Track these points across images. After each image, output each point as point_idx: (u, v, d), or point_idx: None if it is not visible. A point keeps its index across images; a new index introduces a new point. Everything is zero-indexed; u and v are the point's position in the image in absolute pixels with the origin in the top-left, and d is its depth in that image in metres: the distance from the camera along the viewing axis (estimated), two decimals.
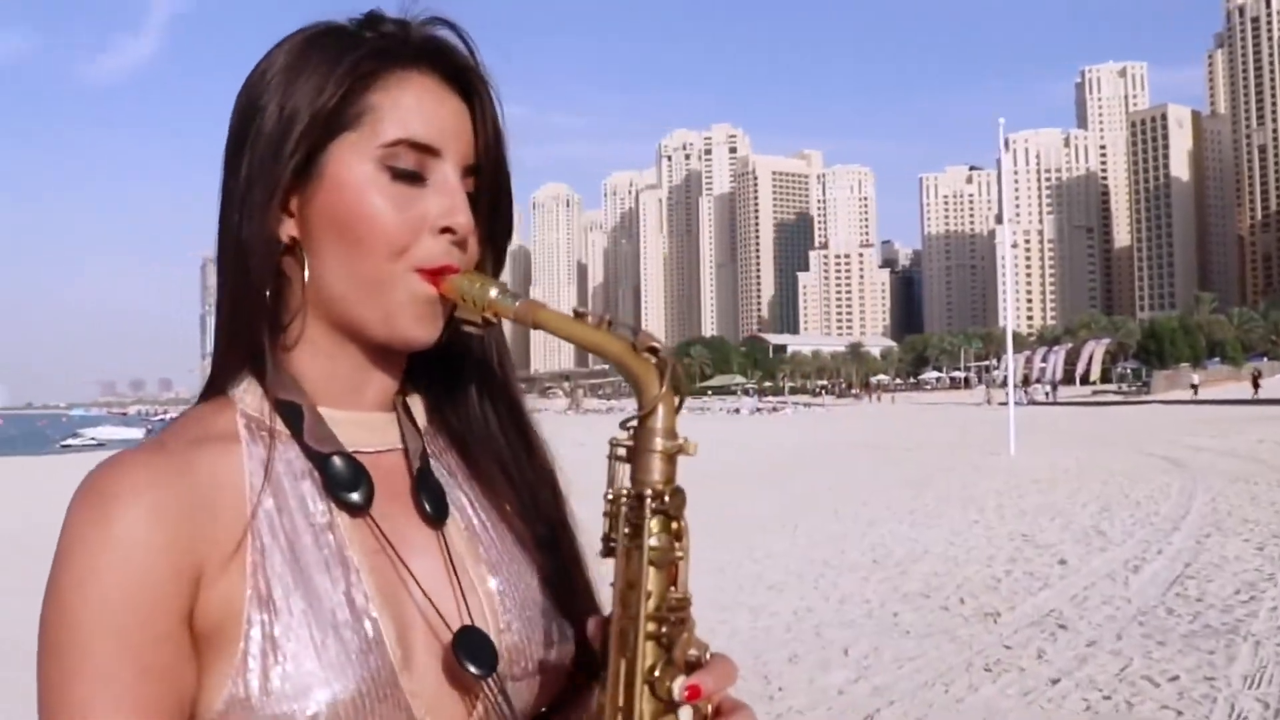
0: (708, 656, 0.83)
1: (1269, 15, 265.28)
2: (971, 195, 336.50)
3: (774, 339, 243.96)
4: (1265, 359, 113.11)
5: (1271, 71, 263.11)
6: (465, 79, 0.96)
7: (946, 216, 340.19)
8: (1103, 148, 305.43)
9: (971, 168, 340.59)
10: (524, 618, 0.96)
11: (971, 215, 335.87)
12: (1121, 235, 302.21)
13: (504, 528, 1.01)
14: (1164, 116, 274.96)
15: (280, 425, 0.92)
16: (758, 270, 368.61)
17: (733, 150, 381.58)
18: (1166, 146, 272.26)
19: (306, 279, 0.92)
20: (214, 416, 0.93)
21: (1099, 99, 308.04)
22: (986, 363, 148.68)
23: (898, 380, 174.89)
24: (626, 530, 0.84)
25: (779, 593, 9.48)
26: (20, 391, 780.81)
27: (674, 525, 0.84)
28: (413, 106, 0.92)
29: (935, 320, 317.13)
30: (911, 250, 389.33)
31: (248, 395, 0.94)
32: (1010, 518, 14.06)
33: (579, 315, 0.87)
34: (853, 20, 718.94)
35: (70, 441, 78.97)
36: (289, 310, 0.94)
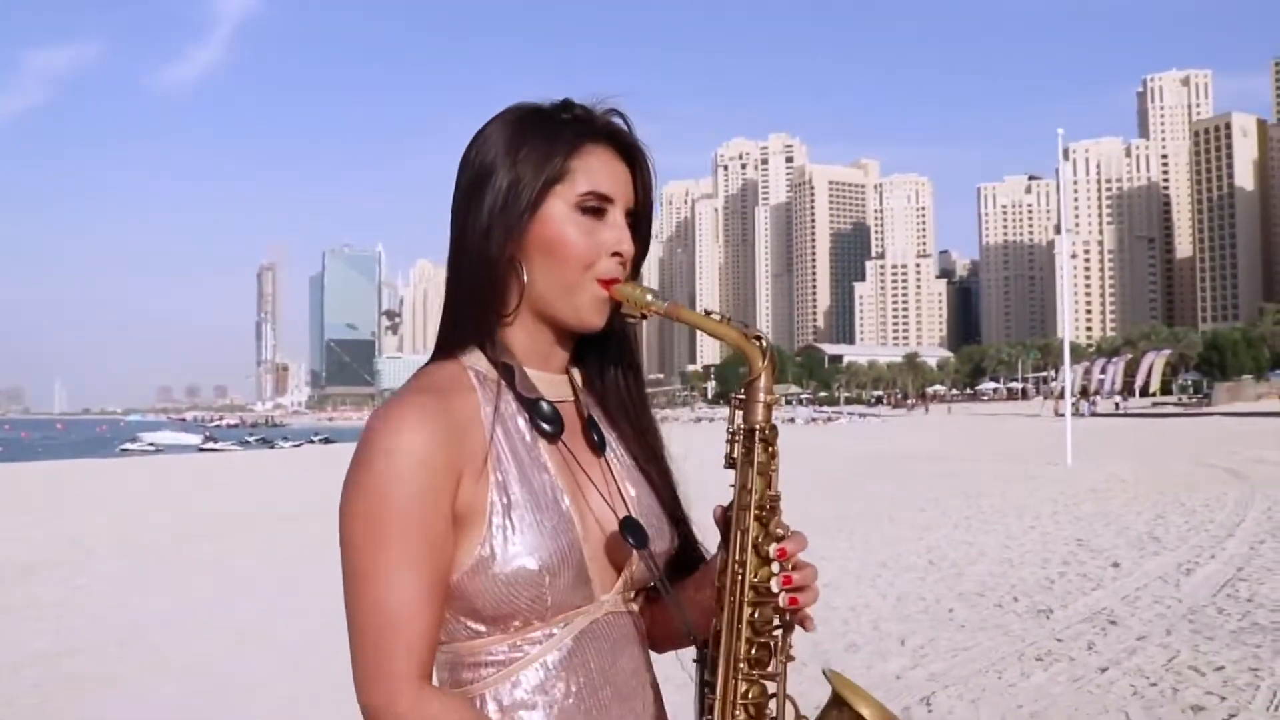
0: (790, 532, 1.27)
1: None
2: (1030, 205, 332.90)
3: (830, 349, 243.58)
4: None
5: None
6: (630, 152, 1.38)
7: (1005, 226, 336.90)
8: (1164, 157, 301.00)
9: (1031, 177, 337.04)
10: (649, 517, 1.38)
11: (1030, 225, 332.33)
12: (1183, 246, 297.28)
13: (630, 459, 1.44)
14: (1228, 125, 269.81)
15: (499, 379, 1.34)
16: (814, 280, 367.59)
17: (789, 160, 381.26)
18: (1230, 155, 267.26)
19: (526, 283, 1.33)
20: (453, 372, 1.33)
21: (1161, 108, 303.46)
22: (1044, 374, 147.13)
23: (954, 391, 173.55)
24: (741, 451, 1.27)
25: (836, 590, 9.71)
26: (78, 397, 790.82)
27: (770, 448, 1.26)
28: (598, 169, 1.34)
29: (993, 331, 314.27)
30: (969, 260, 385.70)
31: (476, 360, 1.34)
32: (1065, 524, 14.27)
33: (708, 313, 1.28)
34: (910, 29, 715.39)
35: (129, 446, 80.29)
36: (506, 303, 1.34)
